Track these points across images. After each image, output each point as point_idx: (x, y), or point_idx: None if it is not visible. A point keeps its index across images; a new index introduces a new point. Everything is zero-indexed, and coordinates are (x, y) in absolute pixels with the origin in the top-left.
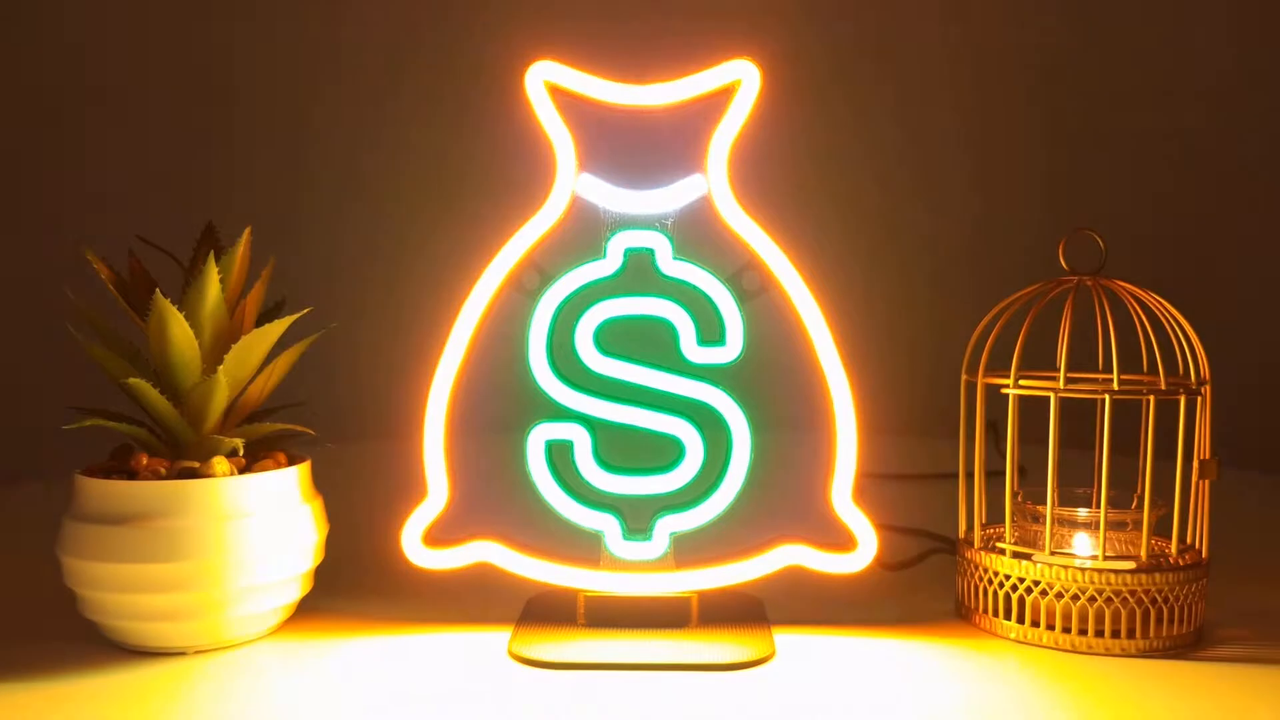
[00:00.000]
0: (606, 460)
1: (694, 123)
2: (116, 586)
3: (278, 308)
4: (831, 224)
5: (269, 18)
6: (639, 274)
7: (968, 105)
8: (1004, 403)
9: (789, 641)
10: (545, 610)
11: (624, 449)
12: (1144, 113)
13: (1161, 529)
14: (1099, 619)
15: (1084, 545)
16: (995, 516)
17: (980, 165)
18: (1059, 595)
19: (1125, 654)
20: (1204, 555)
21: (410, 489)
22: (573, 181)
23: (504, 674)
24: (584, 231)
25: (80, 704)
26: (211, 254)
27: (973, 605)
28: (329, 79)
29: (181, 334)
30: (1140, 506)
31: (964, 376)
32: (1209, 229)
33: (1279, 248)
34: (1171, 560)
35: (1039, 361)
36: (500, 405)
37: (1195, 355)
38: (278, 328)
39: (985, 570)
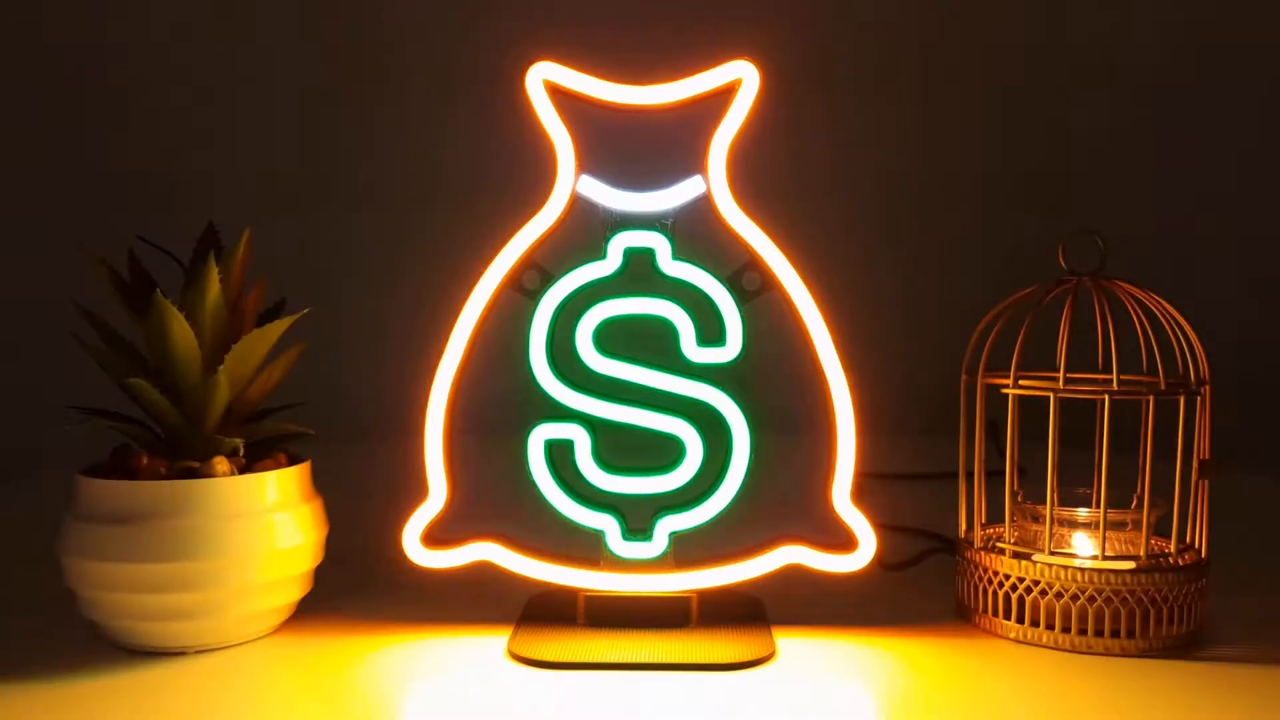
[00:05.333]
0: (606, 460)
1: (694, 123)
2: (117, 586)
3: (278, 308)
4: (831, 224)
5: (269, 18)
6: (639, 274)
7: (968, 104)
8: (1004, 403)
9: (789, 641)
10: (545, 610)
11: (624, 449)
12: (1145, 112)
13: (1161, 529)
14: (1099, 619)
15: (1084, 545)
16: (995, 516)
17: (980, 165)
18: (1059, 595)
19: (1125, 654)
20: (1203, 555)
21: (410, 489)
22: (573, 181)
23: (504, 674)
24: (584, 231)
25: (80, 704)
26: (211, 254)
27: (972, 605)
28: (330, 79)
29: (182, 334)
30: (1140, 506)
31: (964, 376)
32: (1209, 229)
33: (1279, 247)
34: (1171, 560)
35: (1039, 361)
36: (500, 405)
37: (1195, 355)
38: (278, 328)
39: (985, 570)
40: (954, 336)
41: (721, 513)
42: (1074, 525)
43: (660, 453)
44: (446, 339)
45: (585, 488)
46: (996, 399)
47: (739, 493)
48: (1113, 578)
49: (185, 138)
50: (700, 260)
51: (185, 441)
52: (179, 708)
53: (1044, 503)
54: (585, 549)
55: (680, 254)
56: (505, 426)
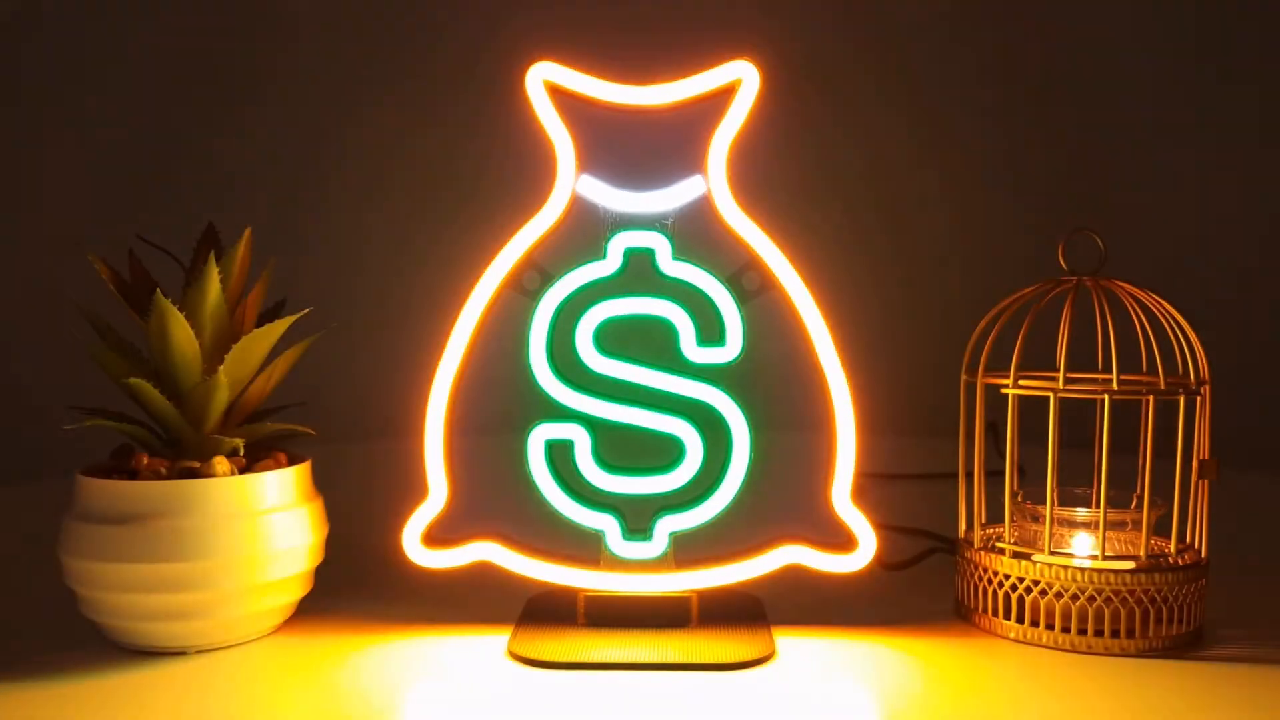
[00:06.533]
0: (606, 460)
1: (694, 123)
2: (117, 586)
3: (278, 308)
4: (831, 224)
5: (269, 18)
6: (639, 274)
7: (967, 104)
8: (1004, 403)
9: (789, 641)
10: (545, 610)
11: (624, 449)
12: (1143, 112)
13: (1161, 529)
14: (1099, 619)
15: (1084, 545)
16: (995, 516)
17: (980, 165)
18: (1059, 595)
19: (1125, 654)
20: (1203, 555)
21: (410, 489)
22: (573, 181)
23: (504, 674)
24: (584, 231)
25: (80, 704)
26: (212, 254)
27: (972, 605)
28: (329, 79)
29: (182, 334)
30: (1140, 506)
31: (964, 376)
32: (1209, 229)
33: (1279, 247)
34: (1171, 560)
35: (1039, 361)
36: (500, 405)
37: (1195, 355)
38: (278, 328)
39: (985, 570)
40: (954, 336)
41: (721, 513)
42: (1074, 525)
43: (660, 453)
44: (446, 339)
45: (585, 488)
46: (996, 399)
47: (739, 493)
48: (1112, 578)
49: (186, 137)
50: (700, 260)
51: (185, 441)
52: (179, 708)
53: (1044, 503)
54: (585, 549)
55: (680, 254)
56: (505, 426)
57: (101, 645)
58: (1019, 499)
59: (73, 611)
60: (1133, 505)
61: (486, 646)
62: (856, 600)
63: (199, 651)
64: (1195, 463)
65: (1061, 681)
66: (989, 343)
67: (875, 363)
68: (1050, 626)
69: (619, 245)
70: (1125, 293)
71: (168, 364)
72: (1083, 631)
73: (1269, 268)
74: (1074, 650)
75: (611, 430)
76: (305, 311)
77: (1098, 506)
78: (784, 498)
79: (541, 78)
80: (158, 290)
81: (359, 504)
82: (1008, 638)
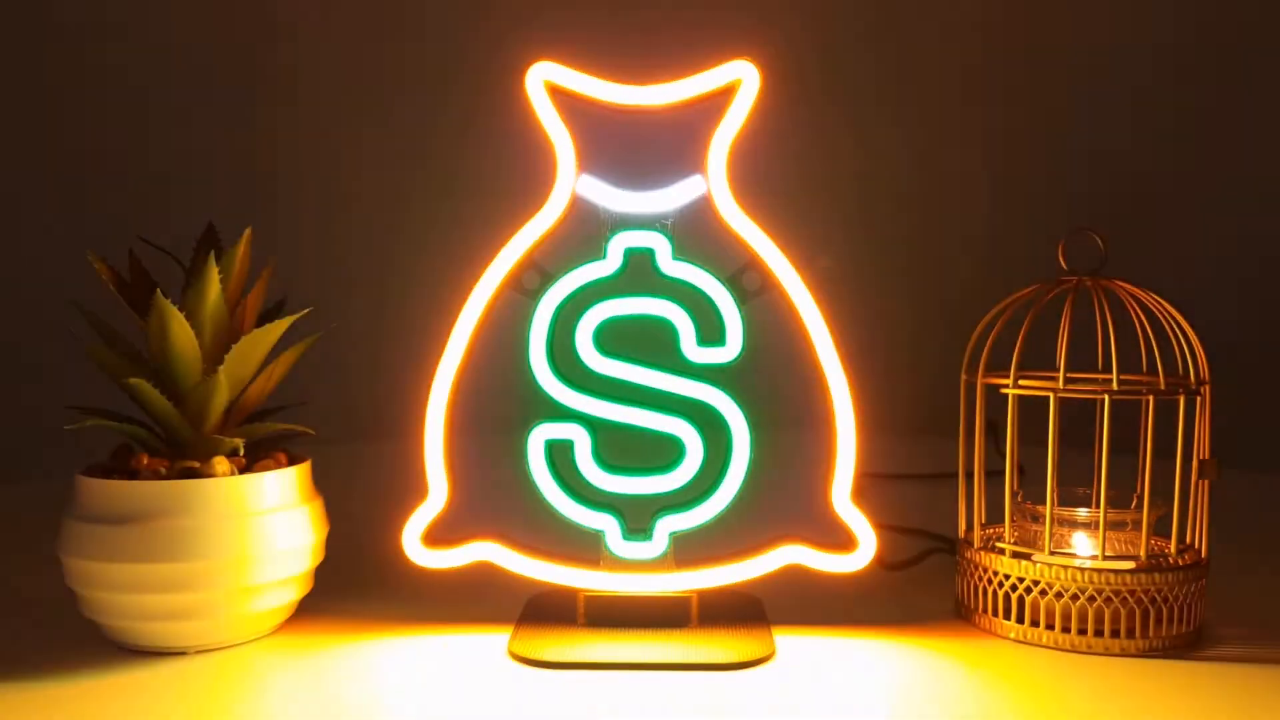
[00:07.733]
0: (606, 460)
1: (694, 123)
2: (117, 586)
3: (278, 308)
4: (831, 224)
5: (269, 17)
6: (639, 274)
7: (968, 105)
8: (1004, 403)
9: (789, 641)
10: (545, 610)
11: (624, 449)
12: (1145, 112)
13: (1161, 529)
14: (1099, 619)
15: (1084, 545)
16: (995, 516)
17: (980, 165)
18: (1059, 595)
19: (1125, 654)
20: (1203, 555)
21: (410, 489)
22: (573, 181)
23: (504, 674)
24: (584, 231)
25: (80, 704)
26: (212, 254)
27: (972, 605)
28: (329, 79)
29: (182, 334)
30: (1140, 506)
31: (964, 376)
32: (1209, 229)
33: (1279, 247)
34: (1171, 560)
35: (1039, 362)
36: (500, 405)
37: (1195, 355)
38: (278, 328)
39: (985, 570)
40: (954, 336)
41: (721, 513)
42: (1074, 525)
43: (660, 453)
44: (446, 339)
45: (585, 488)
46: (996, 399)
47: (739, 493)
48: (1112, 578)
49: (186, 137)
50: (700, 260)
51: (185, 441)
52: (179, 708)
53: (1044, 503)
54: (585, 549)
55: (680, 254)
56: (505, 426)
57: (101, 645)
58: (1019, 499)
59: (73, 611)
60: (1133, 505)
61: (486, 646)
62: (856, 600)
63: (199, 651)
64: (1195, 463)
65: (1061, 681)
66: (989, 343)
67: (875, 363)
68: (1050, 626)
69: (619, 245)
70: (1125, 293)
71: (168, 364)
72: (1083, 631)
73: (1269, 267)
74: (1074, 650)
75: (611, 430)
76: (305, 311)
77: (1098, 506)
78: (784, 498)
79: (541, 78)
80: (158, 290)
81: (359, 504)
82: (1008, 638)
